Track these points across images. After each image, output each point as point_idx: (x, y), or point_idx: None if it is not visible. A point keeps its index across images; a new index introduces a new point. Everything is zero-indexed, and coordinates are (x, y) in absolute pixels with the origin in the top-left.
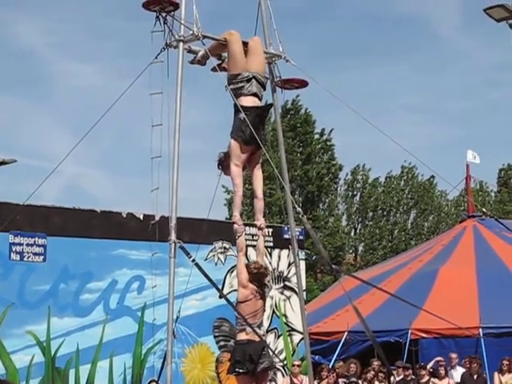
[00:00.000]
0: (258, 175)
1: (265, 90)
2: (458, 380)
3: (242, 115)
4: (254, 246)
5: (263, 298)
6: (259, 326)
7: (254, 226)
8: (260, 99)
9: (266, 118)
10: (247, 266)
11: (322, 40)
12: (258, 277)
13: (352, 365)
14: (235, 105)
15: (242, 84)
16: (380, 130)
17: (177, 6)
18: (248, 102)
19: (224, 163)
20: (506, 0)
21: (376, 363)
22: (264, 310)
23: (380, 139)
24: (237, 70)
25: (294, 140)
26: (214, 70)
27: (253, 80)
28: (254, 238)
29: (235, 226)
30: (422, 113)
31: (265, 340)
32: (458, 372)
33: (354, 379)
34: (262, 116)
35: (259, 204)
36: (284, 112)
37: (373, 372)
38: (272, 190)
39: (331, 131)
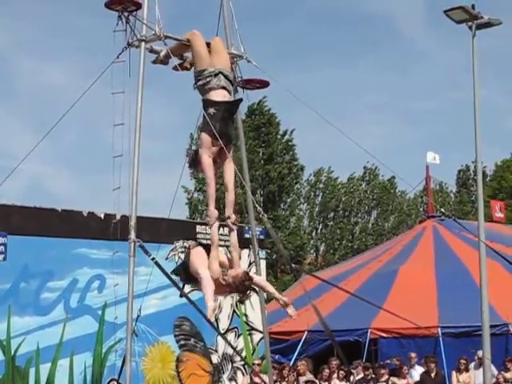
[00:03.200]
0: (229, 168)
1: (233, 85)
2: (417, 379)
3: (212, 110)
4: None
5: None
6: None
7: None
8: (230, 93)
9: (236, 112)
10: (241, 279)
11: (284, 39)
12: (243, 288)
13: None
14: (203, 100)
15: (209, 79)
16: (340, 131)
17: (139, 6)
18: (218, 95)
19: (195, 161)
20: (467, 1)
21: (335, 362)
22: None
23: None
24: (203, 66)
25: (256, 140)
26: (175, 68)
27: (220, 75)
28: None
29: (207, 217)
30: (384, 112)
31: None
32: (417, 371)
33: (311, 377)
34: (232, 110)
35: (230, 196)
36: (249, 112)
37: (328, 370)
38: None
39: (292, 131)
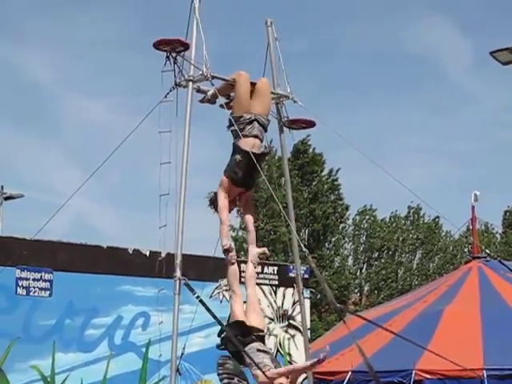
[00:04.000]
0: (249, 210)
1: (266, 131)
2: None
3: (238, 157)
4: (258, 285)
5: None
6: None
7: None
8: (261, 140)
9: (262, 163)
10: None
11: (330, 79)
12: None
13: None
14: (234, 144)
15: (242, 126)
16: (385, 171)
17: (187, 47)
18: (248, 144)
19: (215, 202)
20: None
21: None
22: None
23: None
24: (240, 113)
25: (300, 178)
26: (221, 106)
27: (254, 122)
28: (259, 275)
29: (230, 253)
30: (429, 153)
31: None
32: None
33: None
34: (258, 161)
35: (251, 236)
36: (294, 151)
37: None
38: (276, 227)
39: (338, 171)
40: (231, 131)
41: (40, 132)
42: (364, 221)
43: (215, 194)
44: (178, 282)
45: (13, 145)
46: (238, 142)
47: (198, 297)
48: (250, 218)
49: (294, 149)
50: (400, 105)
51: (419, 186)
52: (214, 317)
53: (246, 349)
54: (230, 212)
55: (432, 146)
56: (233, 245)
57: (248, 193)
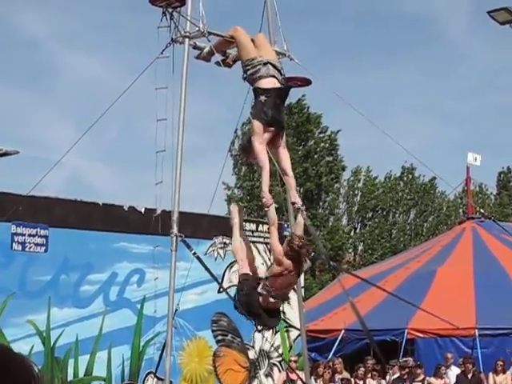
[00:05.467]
0: (284, 154)
1: (282, 75)
2: (453, 379)
3: (263, 97)
4: (253, 243)
5: (298, 274)
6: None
7: (254, 221)
8: (279, 82)
9: (286, 98)
10: (289, 241)
11: (327, 39)
12: (298, 255)
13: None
14: (254, 89)
15: (259, 67)
16: (381, 130)
17: (183, 2)
18: (268, 83)
19: (247, 148)
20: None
21: (370, 362)
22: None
23: (382, 140)
24: (251, 55)
25: (294, 138)
26: (217, 64)
27: (268, 64)
28: (254, 234)
29: (264, 199)
30: (425, 114)
31: None
32: (453, 372)
33: (346, 376)
34: (283, 97)
35: (291, 181)
36: (288, 110)
37: (363, 369)
38: (271, 186)
39: (338, 132)
40: (248, 77)
41: (36, 89)
42: (358, 181)
43: (247, 140)
44: (174, 238)
45: (8, 102)
46: (258, 83)
47: (194, 253)
48: (287, 163)
49: (287, 108)
50: (397, 66)
51: (414, 146)
52: (210, 273)
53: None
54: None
55: (427, 106)
56: (269, 194)
57: (280, 134)
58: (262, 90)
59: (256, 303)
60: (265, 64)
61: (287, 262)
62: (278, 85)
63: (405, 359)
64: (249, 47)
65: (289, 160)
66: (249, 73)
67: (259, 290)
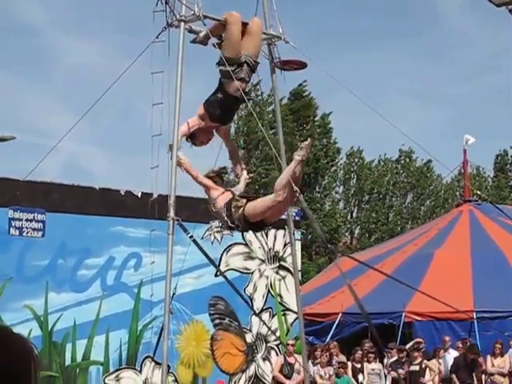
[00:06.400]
0: (229, 139)
1: (254, 72)
2: (451, 362)
3: (220, 95)
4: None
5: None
6: None
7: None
8: (247, 83)
9: (239, 106)
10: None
11: (323, 22)
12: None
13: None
14: (220, 82)
15: (232, 68)
16: (378, 113)
17: None
18: (232, 87)
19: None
20: None
21: (367, 345)
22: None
23: (379, 123)
24: (230, 53)
25: (294, 123)
26: (214, 46)
27: (244, 65)
28: None
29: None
30: (422, 97)
31: None
32: (450, 355)
33: (343, 359)
34: (238, 104)
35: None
36: (291, 96)
37: (360, 352)
38: (268, 170)
39: (329, 114)
40: (219, 70)
41: (32, 75)
42: (353, 164)
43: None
44: (171, 222)
45: (4, 87)
46: (225, 82)
47: (191, 237)
48: (233, 144)
49: (290, 93)
50: (394, 49)
51: (411, 129)
52: (207, 256)
53: None
54: (206, 143)
55: (424, 89)
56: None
57: (225, 127)
58: (223, 89)
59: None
60: (240, 65)
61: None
62: (243, 87)
63: (417, 340)
64: (233, 41)
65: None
66: (221, 68)
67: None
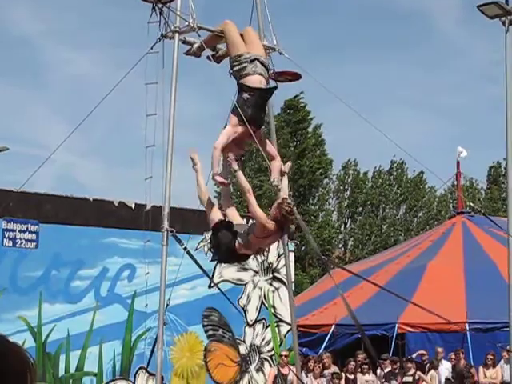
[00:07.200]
0: (264, 143)
1: (269, 71)
2: (444, 373)
3: (246, 95)
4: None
5: (281, 237)
6: None
7: (245, 216)
8: (266, 80)
9: (269, 99)
10: (279, 205)
11: (319, 34)
12: (286, 219)
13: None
14: (239, 84)
15: (245, 64)
16: (371, 124)
17: None
18: (254, 81)
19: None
20: None
21: (361, 356)
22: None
23: (372, 134)
24: (239, 51)
25: (289, 135)
26: (208, 58)
27: (256, 61)
28: None
29: (217, 178)
30: (416, 108)
31: None
32: (443, 366)
33: (336, 370)
34: (266, 97)
35: (276, 164)
36: (285, 107)
37: (353, 363)
38: (262, 182)
39: (320, 125)
40: (234, 72)
41: (26, 85)
42: (347, 176)
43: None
44: (165, 233)
45: None
46: (244, 80)
47: (185, 248)
48: (270, 148)
49: (284, 104)
50: (389, 60)
51: (404, 140)
52: (201, 268)
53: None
54: (238, 160)
55: (419, 100)
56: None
57: (257, 132)
58: (247, 87)
59: (230, 244)
60: (252, 61)
61: (271, 227)
62: (264, 82)
63: (421, 352)
64: (237, 43)
65: (272, 145)
66: (235, 69)
67: (238, 238)
